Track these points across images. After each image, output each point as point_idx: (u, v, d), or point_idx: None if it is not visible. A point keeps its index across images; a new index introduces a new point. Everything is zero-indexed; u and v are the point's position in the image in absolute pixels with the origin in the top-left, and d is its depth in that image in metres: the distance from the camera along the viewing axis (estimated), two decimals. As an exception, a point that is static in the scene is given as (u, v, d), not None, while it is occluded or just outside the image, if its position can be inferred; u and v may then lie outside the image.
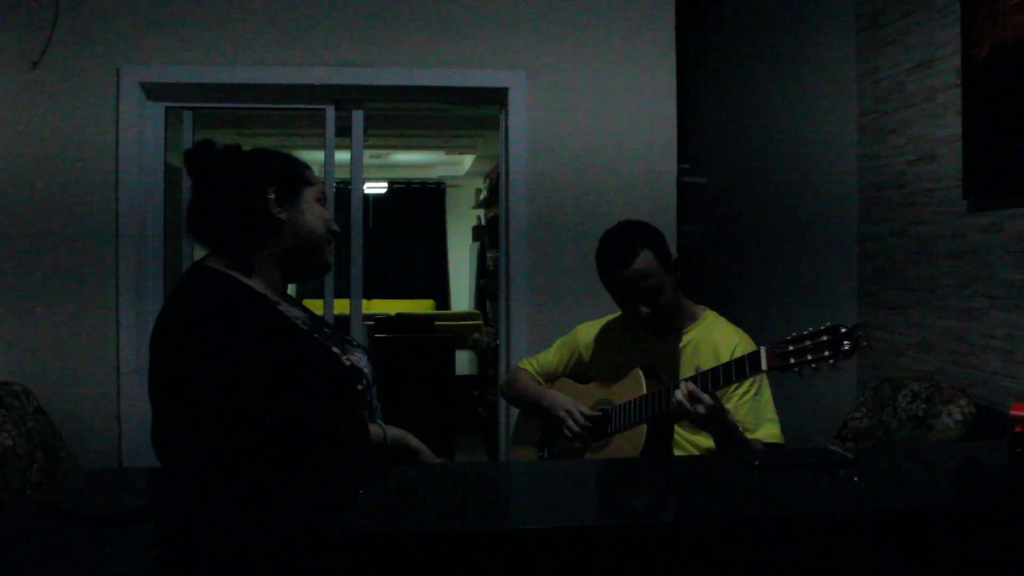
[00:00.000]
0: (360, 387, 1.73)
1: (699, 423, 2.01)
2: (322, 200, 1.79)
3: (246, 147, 1.78)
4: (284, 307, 1.72)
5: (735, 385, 2.13)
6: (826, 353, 1.81)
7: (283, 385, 1.57)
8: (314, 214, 1.75)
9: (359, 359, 1.77)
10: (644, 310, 2.16)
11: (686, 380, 2.00)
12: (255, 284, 1.69)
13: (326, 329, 1.80)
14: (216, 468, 1.52)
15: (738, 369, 1.95)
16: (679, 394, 1.97)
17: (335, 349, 1.73)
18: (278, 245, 1.71)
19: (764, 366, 1.91)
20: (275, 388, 1.56)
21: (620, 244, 2.19)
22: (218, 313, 1.58)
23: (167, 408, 1.57)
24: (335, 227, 1.80)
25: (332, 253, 1.81)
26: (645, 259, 2.14)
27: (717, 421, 1.99)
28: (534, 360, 2.55)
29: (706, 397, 1.95)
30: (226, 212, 1.69)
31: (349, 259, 3.69)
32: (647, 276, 2.14)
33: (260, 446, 1.53)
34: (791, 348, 1.86)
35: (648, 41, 3.55)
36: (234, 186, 1.69)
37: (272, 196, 1.69)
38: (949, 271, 3.07)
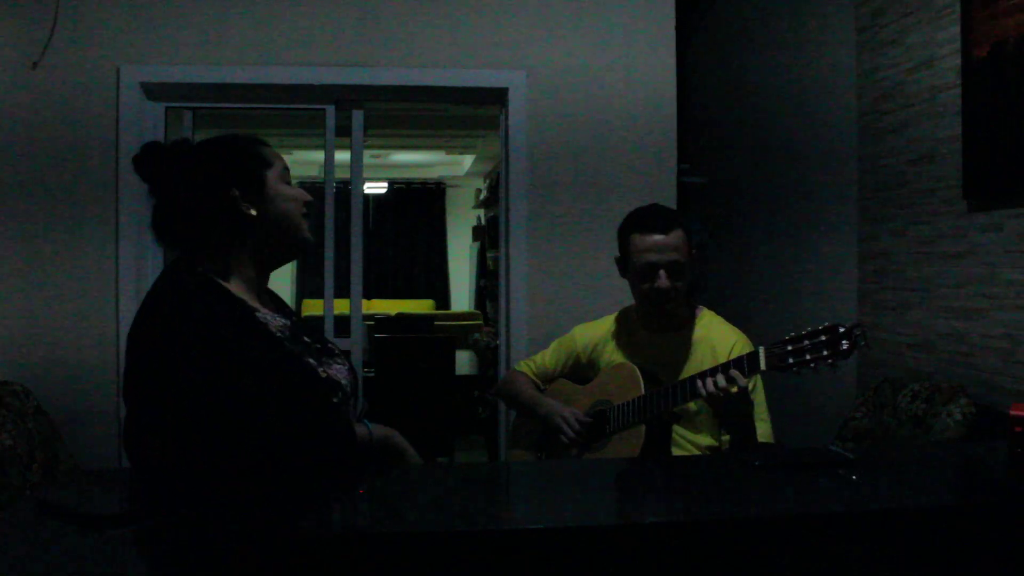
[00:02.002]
0: (336, 399, 1.70)
1: (729, 414, 2.01)
2: (286, 177, 1.72)
3: None
4: (262, 314, 1.68)
5: None
6: (824, 353, 1.82)
7: (252, 395, 1.54)
8: (283, 197, 1.69)
9: (337, 371, 1.72)
10: (665, 283, 2.16)
11: (696, 376, 2.01)
12: (233, 287, 1.66)
13: (306, 338, 1.74)
14: (185, 473, 1.49)
15: (737, 369, 1.95)
16: (720, 379, 1.94)
17: (311, 360, 1.68)
18: (254, 240, 1.67)
19: (763, 366, 1.91)
20: (244, 398, 1.52)
21: (660, 214, 2.23)
22: (193, 318, 1.55)
23: (138, 410, 1.54)
24: (308, 198, 1.74)
25: (311, 228, 1.75)
26: (680, 235, 2.19)
27: (747, 411, 2.01)
28: (531, 362, 2.55)
29: (743, 380, 1.94)
30: (193, 216, 1.64)
31: (349, 259, 3.69)
32: (678, 250, 2.17)
33: (226, 454, 1.50)
34: (789, 348, 1.87)
35: (648, 41, 3.55)
36: (194, 189, 1.64)
37: (236, 194, 1.64)
38: (949, 271, 3.07)
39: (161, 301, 1.60)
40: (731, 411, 2.01)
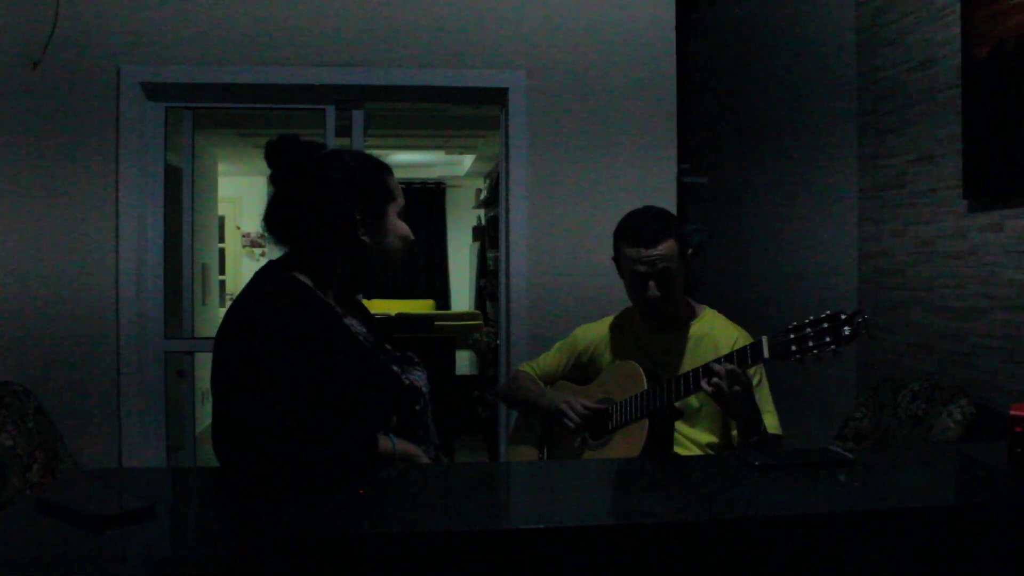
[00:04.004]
0: (418, 407, 1.73)
1: (732, 406, 2.02)
2: (403, 213, 1.74)
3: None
4: (349, 321, 1.72)
5: None
6: (827, 340, 1.83)
7: (339, 399, 1.57)
8: (396, 234, 1.72)
9: (418, 378, 1.77)
10: (655, 292, 2.17)
11: (698, 369, 2.02)
12: (327, 295, 1.69)
13: (387, 346, 1.79)
14: (267, 470, 1.51)
15: (740, 359, 1.97)
16: (714, 379, 1.97)
17: (395, 368, 1.72)
18: (356, 262, 1.70)
19: (766, 354, 1.93)
20: (331, 401, 1.56)
21: (648, 224, 2.20)
22: (286, 320, 1.57)
23: (225, 407, 1.56)
24: (412, 238, 1.76)
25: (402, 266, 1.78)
26: (669, 244, 2.17)
27: (749, 401, 2.01)
28: (534, 363, 2.56)
29: (744, 377, 1.96)
30: (309, 222, 1.66)
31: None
32: (667, 260, 2.17)
33: (305, 455, 1.53)
34: (792, 336, 1.89)
35: (648, 41, 3.55)
36: (319, 196, 1.65)
37: (358, 218, 1.66)
38: (949, 271, 3.07)
39: (256, 301, 1.62)
40: (734, 404, 2.01)
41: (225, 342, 1.59)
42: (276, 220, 1.69)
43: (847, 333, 1.81)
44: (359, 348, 1.69)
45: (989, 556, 1.48)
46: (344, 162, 1.70)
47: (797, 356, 1.87)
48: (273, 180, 1.69)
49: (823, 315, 1.86)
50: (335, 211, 1.65)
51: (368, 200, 1.68)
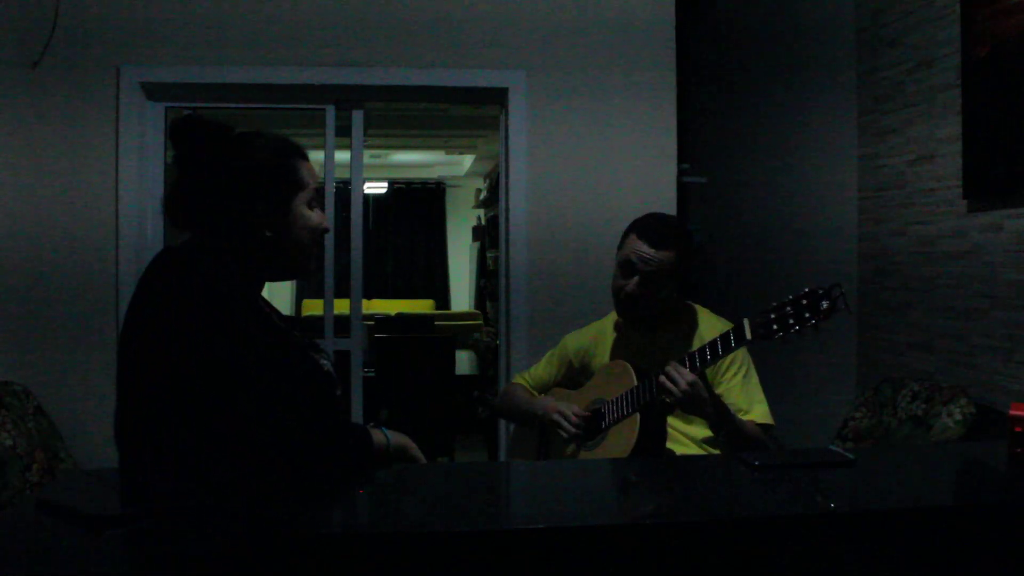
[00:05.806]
0: (338, 393, 1.71)
1: (687, 406, 2.04)
2: (314, 202, 1.67)
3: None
4: (263, 304, 1.68)
5: (725, 369, 2.21)
6: (807, 315, 1.85)
7: (268, 384, 1.51)
8: (302, 224, 1.64)
9: (327, 365, 1.71)
10: (634, 288, 2.20)
11: (674, 361, 2.03)
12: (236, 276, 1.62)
13: (295, 334, 1.72)
14: (185, 464, 1.46)
15: (724, 343, 1.99)
16: (662, 376, 2.01)
17: (313, 354, 1.68)
18: (258, 254, 1.63)
19: (748, 336, 1.94)
20: (260, 387, 1.49)
21: (661, 228, 2.23)
22: (206, 299, 1.50)
23: (142, 398, 1.49)
24: (325, 226, 1.68)
25: (318, 256, 1.72)
26: (668, 254, 2.19)
27: (703, 400, 2.03)
28: (526, 374, 2.60)
29: (686, 372, 1.99)
30: (210, 209, 1.60)
31: (349, 259, 3.69)
32: (659, 265, 2.19)
33: (239, 446, 1.47)
34: (773, 316, 1.90)
35: (648, 41, 3.54)
36: (221, 186, 1.59)
37: (259, 208, 1.59)
38: (949, 271, 3.07)
39: (168, 283, 1.54)
40: (688, 408, 2.04)
41: (154, 332, 1.48)
42: (177, 205, 1.62)
43: (826, 307, 1.83)
44: (280, 332, 1.63)
45: (989, 556, 1.48)
46: (249, 149, 1.62)
47: (779, 335, 1.88)
48: (177, 161, 1.62)
49: (801, 292, 1.88)
50: (236, 203, 1.58)
51: (272, 193, 1.60)
